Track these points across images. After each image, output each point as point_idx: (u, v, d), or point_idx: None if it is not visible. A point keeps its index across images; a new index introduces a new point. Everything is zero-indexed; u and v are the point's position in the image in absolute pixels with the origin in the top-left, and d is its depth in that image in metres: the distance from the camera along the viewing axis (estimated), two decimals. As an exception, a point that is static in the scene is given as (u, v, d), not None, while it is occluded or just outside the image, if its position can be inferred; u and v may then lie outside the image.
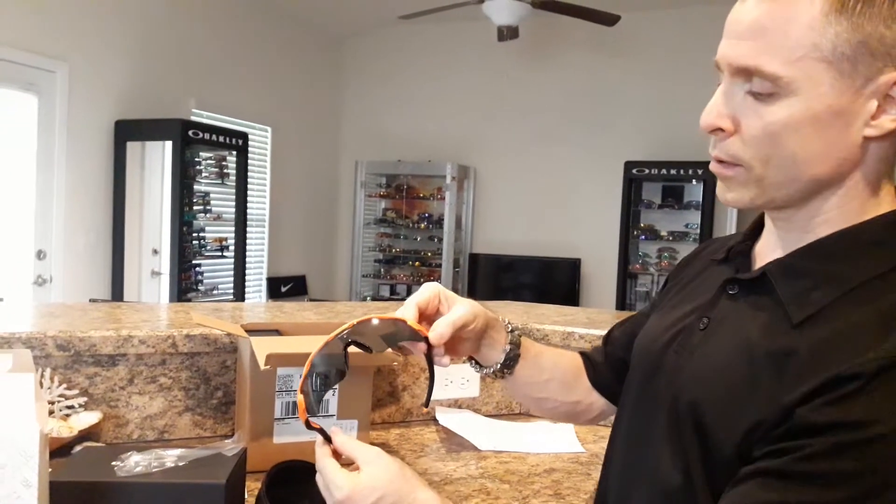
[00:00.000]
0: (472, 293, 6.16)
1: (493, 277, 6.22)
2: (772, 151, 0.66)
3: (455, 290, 6.15)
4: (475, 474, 1.24)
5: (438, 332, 0.81)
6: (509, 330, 0.91)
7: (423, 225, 6.33)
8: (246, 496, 1.03)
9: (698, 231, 5.42)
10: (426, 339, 0.81)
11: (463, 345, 0.87)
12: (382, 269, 6.49)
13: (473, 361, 0.93)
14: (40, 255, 3.95)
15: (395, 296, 6.43)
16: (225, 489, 0.88)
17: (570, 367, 1.00)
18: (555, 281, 5.97)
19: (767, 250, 0.75)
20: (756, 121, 0.66)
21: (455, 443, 1.40)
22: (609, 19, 4.38)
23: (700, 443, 0.69)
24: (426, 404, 0.85)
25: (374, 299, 6.32)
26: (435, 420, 1.52)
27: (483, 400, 1.60)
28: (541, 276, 6.04)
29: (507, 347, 0.90)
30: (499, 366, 0.90)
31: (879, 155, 0.66)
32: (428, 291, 0.85)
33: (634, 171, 5.47)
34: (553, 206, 6.07)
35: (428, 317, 0.84)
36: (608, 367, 0.99)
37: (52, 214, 3.98)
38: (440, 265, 6.16)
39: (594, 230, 5.89)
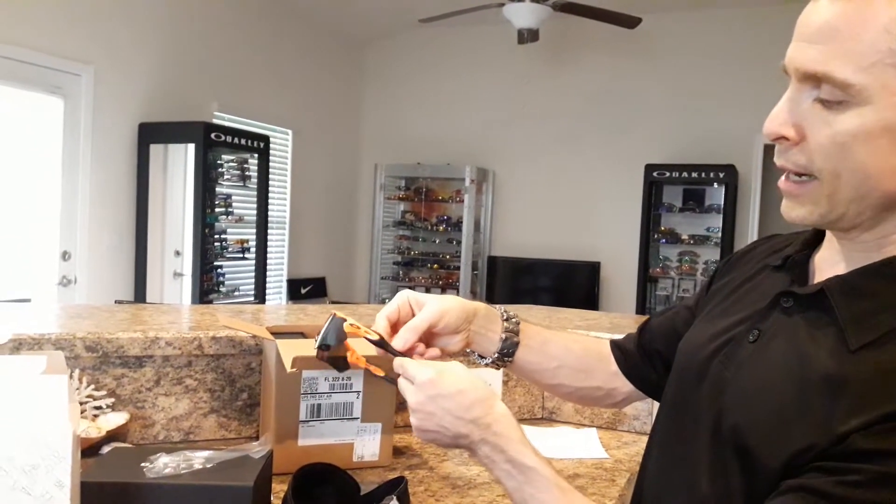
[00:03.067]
0: (491, 296, 6.16)
1: (511, 280, 6.21)
2: (840, 164, 0.61)
3: (473, 292, 6.17)
4: (499, 479, 1.24)
5: (403, 338, 0.84)
6: (505, 318, 0.92)
7: (441, 227, 6.34)
8: (272, 499, 1.04)
9: (719, 235, 5.38)
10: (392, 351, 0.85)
11: (441, 339, 0.89)
12: (401, 272, 6.50)
13: (476, 355, 0.95)
14: (65, 256, 4.00)
15: (414, 298, 6.43)
16: (252, 491, 0.88)
17: (586, 352, 1.00)
18: (574, 284, 5.95)
19: (827, 264, 0.71)
20: (824, 130, 0.62)
21: (478, 447, 1.40)
22: (630, 22, 4.36)
23: (741, 462, 0.66)
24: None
25: (392, 301, 6.33)
26: (457, 424, 1.52)
27: (505, 404, 1.59)
28: (559, 279, 6.01)
29: (504, 336, 0.91)
30: (496, 355, 0.92)
31: None
32: (396, 302, 0.88)
33: (655, 174, 5.43)
34: (572, 209, 6.05)
35: (403, 323, 0.87)
36: (642, 355, 0.97)
37: (77, 216, 4.03)
38: (458, 268, 6.16)
39: (614, 233, 5.86)
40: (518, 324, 0.93)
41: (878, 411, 0.57)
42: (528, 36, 4.49)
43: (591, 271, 5.87)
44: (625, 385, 0.99)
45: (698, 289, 0.95)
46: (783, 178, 0.67)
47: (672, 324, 0.93)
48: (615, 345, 1.01)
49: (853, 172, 0.61)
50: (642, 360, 0.97)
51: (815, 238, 0.75)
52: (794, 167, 0.65)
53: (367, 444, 1.26)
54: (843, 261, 0.68)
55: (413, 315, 0.87)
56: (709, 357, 0.75)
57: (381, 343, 0.87)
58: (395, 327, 0.88)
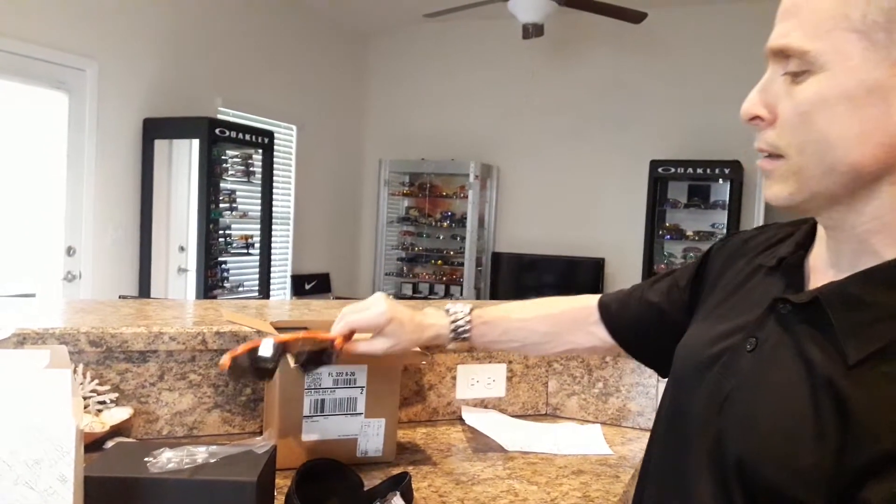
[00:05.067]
0: (495, 292, 6.16)
1: (515, 276, 6.21)
2: (805, 136, 0.60)
3: (477, 289, 6.17)
4: (503, 475, 1.24)
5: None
6: (451, 314, 1.07)
7: (445, 223, 6.33)
8: (275, 494, 1.03)
9: (725, 231, 5.36)
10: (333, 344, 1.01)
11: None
12: (405, 268, 6.50)
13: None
14: (70, 251, 4.01)
15: (418, 294, 6.44)
16: (256, 487, 0.88)
17: (556, 325, 1.10)
18: (578, 280, 5.94)
19: (822, 264, 0.69)
20: (789, 103, 0.61)
21: (482, 443, 1.40)
22: (635, 16, 4.34)
23: (746, 490, 0.64)
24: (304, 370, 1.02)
25: (396, 297, 6.32)
26: (461, 419, 1.52)
27: (509, 400, 1.59)
28: (564, 275, 6.01)
29: (451, 329, 1.07)
30: (448, 346, 1.09)
31: None
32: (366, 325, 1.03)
33: (660, 169, 5.42)
34: (577, 205, 6.04)
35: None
36: (626, 326, 1.04)
37: (82, 211, 4.04)
38: (462, 264, 6.16)
39: (618, 229, 5.85)
40: (465, 316, 1.07)
41: (884, 448, 0.55)
42: (532, 31, 4.48)
43: (595, 267, 5.86)
44: (603, 345, 1.08)
45: (686, 269, 0.95)
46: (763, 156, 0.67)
47: (627, 304, 1.02)
48: (604, 307, 1.07)
49: (816, 143, 0.60)
50: (627, 331, 1.04)
51: (808, 238, 0.73)
52: (766, 146, 0.64)
53: (370, 440, 1.25)
54: (835, 258, 0.66)
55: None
56: (707, 364, 0.73)
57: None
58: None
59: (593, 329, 1.07)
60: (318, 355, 0.99)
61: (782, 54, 0.61)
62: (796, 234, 0.75)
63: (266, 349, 0.95)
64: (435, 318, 1.08)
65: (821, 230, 0.70)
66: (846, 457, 0.56)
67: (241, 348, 0.96)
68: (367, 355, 1.05)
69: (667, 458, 0.78)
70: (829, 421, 0.58)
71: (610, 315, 1.05)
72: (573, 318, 1.09)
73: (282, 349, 0.97)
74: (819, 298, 0.63)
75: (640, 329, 1.00)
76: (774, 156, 0.64)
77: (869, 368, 0.58)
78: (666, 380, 0.86)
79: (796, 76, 0.60)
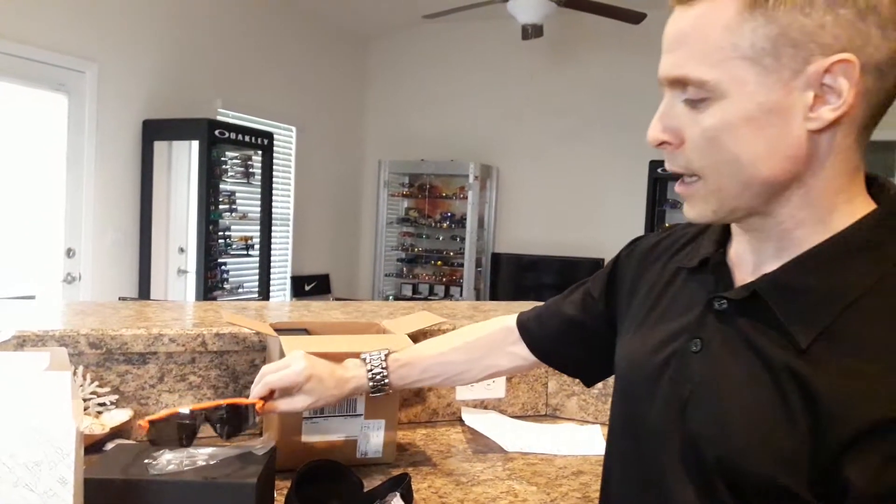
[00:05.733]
0: (495, 293, 6.15)
1: (515, 277, 6.21)
2: (717, 158, 0.64)
3: (477, 289, 6.18)
4: (502, 476, 1.24)
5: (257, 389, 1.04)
6: (368, 364, 1.09)
7: (445, 224, 6.33)
8: (275, 495, 1.04)
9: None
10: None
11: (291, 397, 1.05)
12: (405, 269, 6.50)
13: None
14: (70, 253, 4.01)
15: (418, 295, 6.44)
16: (256, 488, 0.88)
17: (472, 355, 1.12)
18: (577, 280, 5.92)
19: (744, 260, 0.71)
20: (695, 129, 0.64)
21: (481, 444, 1.40)
22: (635, 17, 4.35)
23: (728, 482, 0.65)
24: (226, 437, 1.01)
25: (396, 298, 6.34)
26: (461, 420, 1.52)
27: (509, 401, 1.60)
28: (563, 275, 6.00)
29: (369, 378, 1.08)
30: (371, 395, 1.10)
31: (833, 147, 0.62)
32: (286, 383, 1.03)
33: (659, 170, 5.42)
34: (576, 206, 6.04)
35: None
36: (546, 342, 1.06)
37: (82, 213, 4.04)
38: (462, 264, 6.16)
39: (618, 230, 5.84)
40: (382, 365, 1.09)
41: (855, 426, 0.57)
42: (532, 32, 4.48)
43: (595, 268, 5.84)
44: (523, 364, 1.10)
45: (598, 279, 0.97)
46: (678, 182, 0.69)
47: (546, 321, 1.04)
48: (524, 330, 1.08)
49: (729, 164, 0.64)
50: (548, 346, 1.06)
51: (724, 236, 0.75)
52: (680, 169, 0.67)
53: (370, 441, 1.25)
54: (758, 254, 0.69)
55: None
56: (654, 374, 0.74)
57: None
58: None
59: (512, 349, 1.09)
60: (237, 420, 1.00)
61: (679, 83, 0.64)
62: (708, 232, 0.78)
63: (183, 418, 0.96)
64: (354, 370, 1.09)
65: (735, 227, 0.74)
66: (820, 436, 0.59)
67: (162, 414, 0.96)
68: (287, 413, 1.08)
69: (630, 473, 0.78)
70: (797, 405, 0.61)
71: (529, 333, 1.07)
72: (490, 342, 1.12)
73: (202, 417, 0.97)
74: (758, 291, 0.66)
75: (560, 343, 1.03)
76: (689, 177, 0.67)
77: (820, 349, 0.61)
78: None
79: (696, 103, 0.64)
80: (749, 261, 0.70)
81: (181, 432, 0.95)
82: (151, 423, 0.94)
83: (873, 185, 0.67)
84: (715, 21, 0.62)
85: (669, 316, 0.76)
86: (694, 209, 0.68)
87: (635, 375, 0.78)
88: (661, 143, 0.68)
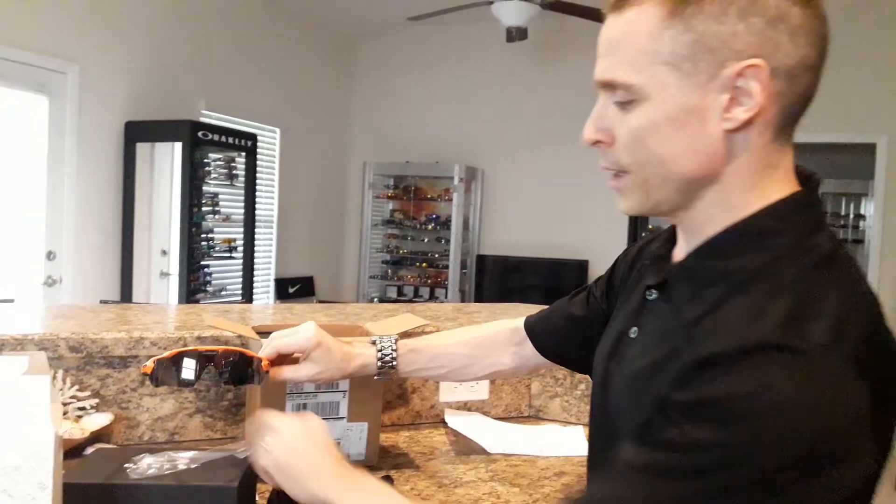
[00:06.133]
0: (480, 294, 6.16)
1: (500, 279, 6.22)
2: (642, 155, 0.69)
3: (462, 291, 6.18)
4: (485, 477, 1.24)
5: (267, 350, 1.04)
6: (379, 345, 1.10)
7: (430, 226, 6.33)
8: (257, 498, 1.03)
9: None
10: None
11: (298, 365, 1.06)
12: (390, 271, 6.49)
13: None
14: (50, 255, 3.97)
15: (402, 297, 6.43)
16: (237, 492, 0.88)
17: (476, 351, 1.14)
18: (562, 282, 5.96)
19: (680, 253, 0.77)
20: (623, 129, 0.69)
21: (464, 445, 1.40)
22: (618, 21, 4.37)
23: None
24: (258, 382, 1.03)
25: (381, 301, 6.33)
26: (444, 422, 1.52)
27: (492, 403, 1.60)
28: (548, 277, 6.03)
29: (378, 358, 1.09)
30: (375, 377, 1.11)
31: (748, 146, 0.67)
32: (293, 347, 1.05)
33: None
34: (561, 208, 6.06)
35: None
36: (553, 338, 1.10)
37: (63, 215, 4.00)
38: (447, 266, 6.16)
39: (602, 232, 5.87)
40: (392, 348, 1.10)
41: (689, 362, 0.61)
42: (516, 34, 4.50)
43: (579, 269, 5.89)
44: (528, 363, 1.13)
45: (601, 280, 1.03)
46: (611, 177, 0.74)
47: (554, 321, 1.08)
48: (530, 330, 1.12)
49: (652, 161, 0.69)
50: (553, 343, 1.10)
51: (673, 234, 0.81)
52: (612, 166, 0.73)
53: (353, 444, 1.25)
54: (684, 247, 0.75)
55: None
56: (607, 357, 0.82)
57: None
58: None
59: (517, 349, 1.13)
60: (243, 370, 1.00)
61: (610, 86, 0.69)
62: (665, 232, 0.84)
63: (187, 359, 0.95)
64: (362, 348, 1.10)
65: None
66: (663, 391, 0.64)
67: (167, 354, 0.96)
68: (292, 381, 1.07)
69: (597, 454, 0.85)
70: (658, 376, 0.66)
71: (536, 334, 1.10)
72: (496, 339, 1.15)
73: (205, 360, 0.97)
74: (667, 277, 0.74)
75: (567, 341, 1.06)
76: (620, 173, 0.73)
77: (699, 324, 0.66)
78: None
79: (624, 105, 0.69)
80: (682, 254, 0.76)
81: (185, 373, 0.95)
82: (158, 361, 0.94)
83: (806, 184, 0.71)
84: (640, 28, 0.66)
85: (625, 308, 0.83)
86: (624, 202, 0.74)
87: (598, 362, 0.84)
88: (595, 143, 0.73)
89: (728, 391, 0.58)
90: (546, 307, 1.13)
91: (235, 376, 1.00)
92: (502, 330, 1.15)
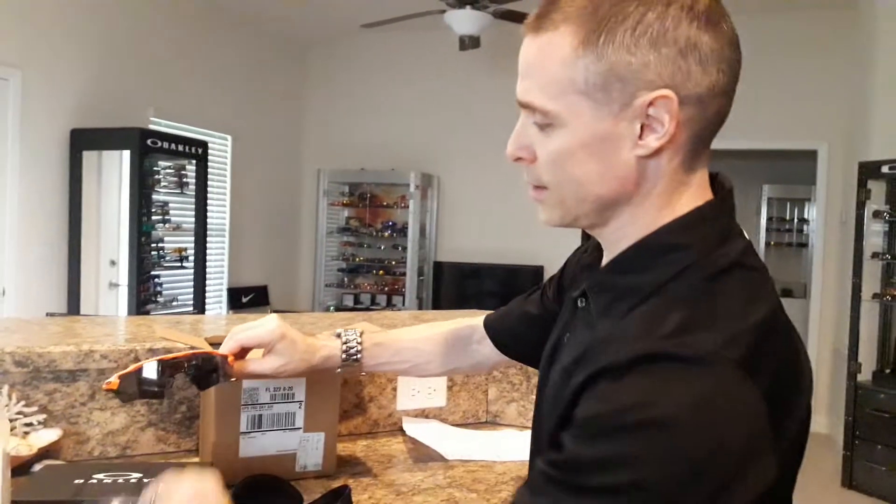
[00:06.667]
0: (437, 301, 6.17)
1: (457, 285, 6.24)
2: (559, 176, 0.71)
3: (419, 298, 6.18)
4: (443, 484, 1.25)
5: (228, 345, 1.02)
6: (343, 337, 1.10)
7: (386, 233, 6.32)
8: (212, 512, 1.02)
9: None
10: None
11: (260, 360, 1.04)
12: (346, 279, 6.46)
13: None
14: (-8, 267, 3.84)
15: (359, 305, 6.40)
16: (192, 505, 0.87)
17: (437, 347, 1.16)
18: (518, 288, 5.95)
19: (603, 265, 0.79)
20: (542, 149, 0.71)
21: (422, 453, 1.40)
22: (569, 30, 4.44)
23: None
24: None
25: (337, 309, 6.28)
26: (402, 430, 1.52)
27: (450, 409, 1.61)
28: (504, 283, 6.07)
29: (343, 351, 1.09)
30: (338, 369, 1.10)
31: (661, 171, 0.68)
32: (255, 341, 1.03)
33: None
34: (516, 215, 6.12)
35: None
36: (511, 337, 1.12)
37: (6, 226, 3.87)
38: (404, 273, 6.16)
39: (555, 238, 5.93)
40: (356, 341, 1.10)
41: (583, 375, 0.62)
42: (469, 42, 4.53)
43: (535, 275, 5.95)
44: (488, 360, 1.16)
45: (552, 280, 1.06)
46: (532, 189, 0.76)
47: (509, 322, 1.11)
48: (490, 328, 1.14)
49: (569, 182, 0.71)
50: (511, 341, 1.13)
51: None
52: (534, 182, 0.74)
53: (309, 454, 1.25)
54: (605, 259, 0.77)
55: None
56: (546, 362, 0.83)
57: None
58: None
59: (477, 347, 1.15)
60: (208, 372, 0.98)
61: (528, 108, 0.71)
62: (595, 240, 0.86)
63: (150, 370, 0.93)
64: (326, 340, 1.10)
65: None
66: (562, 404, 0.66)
67: (132, 368, 0.94)
68: (256, 375, 1.05)
69: (532, 455, 0.86)
70: (564, 388, 0.67)
71: (495, 332, 1.13)
72: (457, 337, 1.16)
73: (169, 369, 0.95)
74: (586, 289, 0.75)
75: (525, 341, 1.07)
76: (540, 188, 0.74)
77: None
78: None
79: (543, 127, 0.70)
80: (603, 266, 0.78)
81: (148, 387, 0.93)
82: (122, 377, 0.91)
83: (719, 192, 0.73)
84: (554, 55, 0.67)
85: (563, 315, 0.85)
86: (544, 214, 0.76)
87: (541, 369, 0.85)
88: (517, 159, 0.74)
89: (614, 405, 0.58)
90: (503, 307, 1.15)
91: (203, 379, 0.97)
92: (464, 327, 1.16)
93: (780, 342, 0.65)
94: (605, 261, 0.76)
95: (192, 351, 0.99)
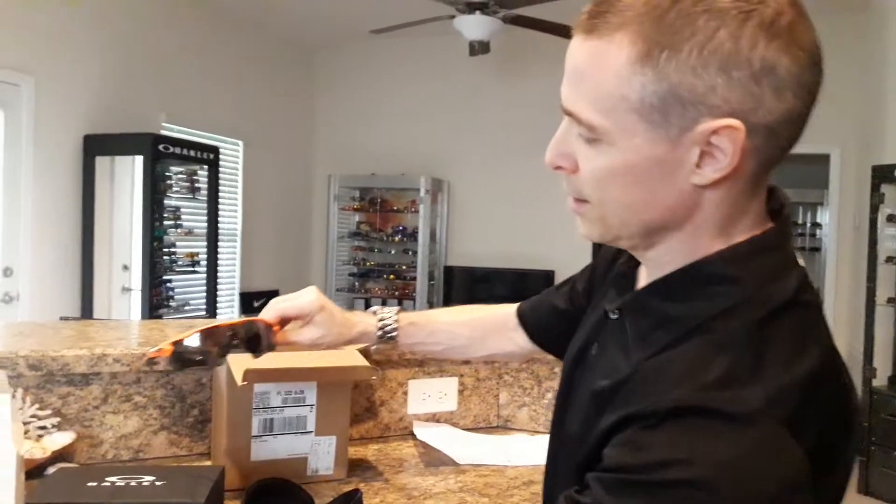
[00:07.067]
0: (447, 305, 6.14)
1: (467, 290, 6.23)
2: (602, 195, 0.65)
3: (430, 302, 6.18)
4: (454, 488, 1.24)
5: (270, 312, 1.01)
6: (379, 315, 1.08)
7: (397, 238, 6.33)
8: (224, 515, 1.02)
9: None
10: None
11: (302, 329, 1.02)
12: (356, 283, 6.47)
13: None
14: (7, 272, 3.87)
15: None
16: (204, 509, 0.87)
17: (475, 333, 1.15)
18: (528, 293, 5.86)
19: (642, 276, 0.73)
20: (586, 164, 0.65)
21: (433, 457, 1.40)
22: (579, 34, 4.43)
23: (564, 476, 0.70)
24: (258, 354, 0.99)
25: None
26: (413, 435, 1.52)
27: (461, 413, 1.60)
28: (515, 288, 6.06)
29: (379, 328, 1.07)
30: (373, 346, 1.10)
31: (717, 200, 0.62)
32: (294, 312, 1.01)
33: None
34: (526, 219, 6.11)
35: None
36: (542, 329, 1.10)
37: (20, 231, 3.91)
38: (415, 278, 6.16)
39: (567, 242, 5.92)
40: (394, 319, 1.08)
41: (620, 413, 0.59)
42: (479, 48, 4.54)
43: (545, 279, 5.93)
44: (522, 350, 1.13)
45: (583, 273, 1.02)
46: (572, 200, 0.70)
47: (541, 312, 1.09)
48: (522, 318, 1.12)
49: (613, 203, 0.65)
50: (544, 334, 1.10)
51: None
52: (574, 194, 0.68)
53: (321, 458, 1.25)
54: (645, 275, 0.72)
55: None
56: (572, 365, 0.79)
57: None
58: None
59: (512, 335, 1.13)
60: (252, 338, 0.97)
61: (574, 117, 0.64)
62: None
63: (192, 340, 0.94)
64: (362, 316, 1.10)
65: None
66: (595, 433, 0.63)
67: (186, 334, 0.95)
68: (295, 345, 1.03)
69: (549, 456, 0.83)
70: (592, 415, 0.65)
71: (526, 322, 1.11)
72: (494, 324, 1.15)
73: (210, 338, 0.95)
74: (621, 308, 0.70)
75: (555, 333, 1.04)
76: (582, 201, 0.68)
77: (646, 369, 0.62)
78: None
79: (588, 139, 0.63)
80: (642, 280, 0.73)
81: (193, 354, 0.94)
82: (176, 343, 0.93)
83: (777, 216, 0.67)
84: (607, 65, 0.60)
85: (592, 315, 0.81)
86: (583, 229, 0.71)
87: (565, 368, 0.82)
88: (557, 167, 0.68)
89: (646, 458, 0.55)
90: (538, 296, 1.14)
91: (249, 344, 0.97)
92: (500, 314, 1.15)
93: (830, 392, 0.60)
94: (645, 278, 0.71)
95: (237, 320, 0.99)
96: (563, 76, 0.65)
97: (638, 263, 0.75)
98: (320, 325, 1.02)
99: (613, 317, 0.72)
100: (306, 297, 1.02)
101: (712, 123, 0.58)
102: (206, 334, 0.94)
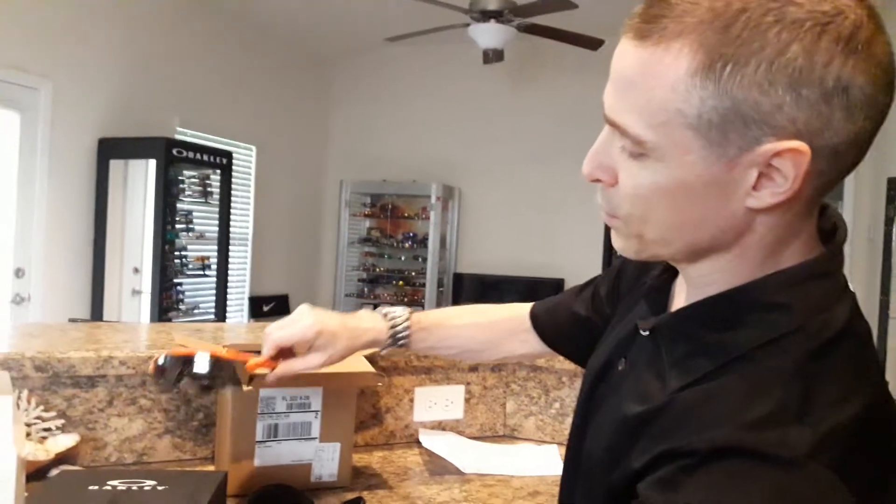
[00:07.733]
0: (456, 313, 6.15)
1: (477, 297, 6.22)
2: (645, 212, 0.60)
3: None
4: (459, 498, 1.23)
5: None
6: (390, 318, 1.05)
7: (407, 244, 6.33)
8: (226, 521, 1.02)
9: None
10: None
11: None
12: (366, 289, 6.47)
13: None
14: (19, 273, 3.90)
15: (379, 316, 6.39)
16: (205, 514, 0.87)
17: (488, 337, 1.13)
18: (538, 300, 5.97)
19: (679, 292, 0.70)
20: (629, 178, 0.60)
21: (438, 465, 1.39)
22: (592, 43, 4.43)
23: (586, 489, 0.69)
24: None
25: (357, 319, 6.27)
26: (418, 442, 1.51)
27: (467, 422, 1.59)
28: (524, 296, 5.98)
29: (390, 335, 1.05)
30: (382, 351, 1.07)
31: (770, 224, 0.58)
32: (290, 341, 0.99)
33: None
34: (537, 227, 6.10)
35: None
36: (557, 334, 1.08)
37: (33, 232, 3.93)
38: (424, 285, 6.15)
39: (577, 251, 5.91)
40: (405, 321, 1.06)
41: (660, 447, 0.56)
42: (493, 56, 4.54)
43: (556, 288, 5.91)
44: (534, 350, 1.11)
45: (606, 278, 0.97)
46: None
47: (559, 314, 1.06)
48: (535, 320, 1.10)
49: (656, 222, 0.61)
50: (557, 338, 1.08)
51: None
52: (610, 210, 0.64)
53: (325, 465, 1.24)
54: (683, 293, 0.68)
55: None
56: (597, 375, 0.76)
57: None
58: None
59: (525, 336, 1.10)
60: (215, 375, 0.94)
61: (618, 128, 0.59)
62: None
63: (202, 365, 0.91)
64: (371, 321, 1.05)
65: None
66: (632, 464, 0.60)
67: (182, 351, 0.92)
68: (304, 371, 1.00)
69: (566, 470, 0.81)
70: (625, 441, 0.62)
71: (540, 325, 1.09)
72: (508, 326, 1.12)
73: (218, 365, 0.93)
74: (656, 328, 0.66)
75: (571, 339, 1.03)
76: (614, 216, 0.64)
77: (686, 396, 0.59)
78: None
79: (635, 154, 0.59)
80: (679, 298, 0.69)
81: (199, 381, 0.93)
82: (167, 356, 0.92)
83: (828, 242, 0.63)
84: (663, 76, 0.55)
85: (621, 327, 0.77)
86: (618, 242, 0.66)
87: (587, 379, 0.79)
88: (595, 180, 0.64)
89: (685, 501, 0.51)
90: (553, 298, 1.11)
91: (213, 380, 0.94)
92: (513, 317, 1.12)
93: (884, 428, 0.57)
94: (682, 293, 0.67)
95: (236, 356, 0.96)
96: (608, 81, 0.60)
97: (673, 276, 0.71)
98: (323, 348, 0.99)
99: (645, 334, 0.68)
100: (301, 324, 0.98)
101: (776, 145, 0.53)
102: (216, 361, 0.93)
